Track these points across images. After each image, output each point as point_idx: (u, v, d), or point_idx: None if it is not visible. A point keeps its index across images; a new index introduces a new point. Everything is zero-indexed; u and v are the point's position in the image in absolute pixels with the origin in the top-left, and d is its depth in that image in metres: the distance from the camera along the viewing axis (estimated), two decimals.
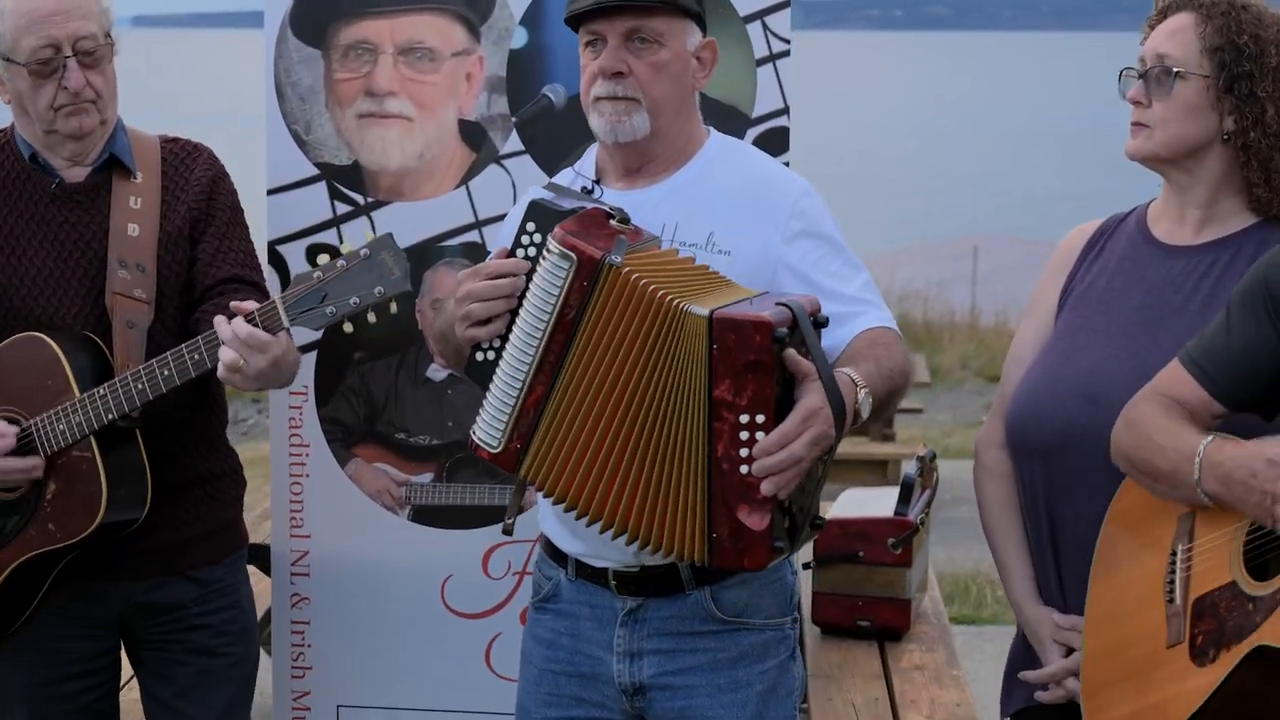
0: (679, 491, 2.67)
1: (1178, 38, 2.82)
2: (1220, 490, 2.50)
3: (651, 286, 2.66)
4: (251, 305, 2.96)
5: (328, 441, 3.89)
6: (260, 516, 4.18)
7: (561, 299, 2.71)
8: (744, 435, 2.59)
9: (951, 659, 4.40)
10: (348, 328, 3.79)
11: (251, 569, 3.63)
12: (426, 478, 3.88)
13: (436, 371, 3.84)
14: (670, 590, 2.92)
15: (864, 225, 29.10)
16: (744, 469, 2.59)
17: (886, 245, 25.58)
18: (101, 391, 3.10)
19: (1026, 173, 39.91)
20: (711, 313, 2.60)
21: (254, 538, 4.05)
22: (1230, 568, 2.51)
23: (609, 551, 2.89)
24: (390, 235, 2.92)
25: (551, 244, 2.72)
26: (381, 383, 3.88)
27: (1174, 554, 2.61)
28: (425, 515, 3.88)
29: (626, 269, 2.68)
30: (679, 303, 2.64)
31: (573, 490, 2.75)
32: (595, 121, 2.94)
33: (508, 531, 2.95)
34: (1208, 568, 2.55)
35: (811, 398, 2.60)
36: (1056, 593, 2.95)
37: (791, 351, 2.60)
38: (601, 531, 2.76)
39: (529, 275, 2.78)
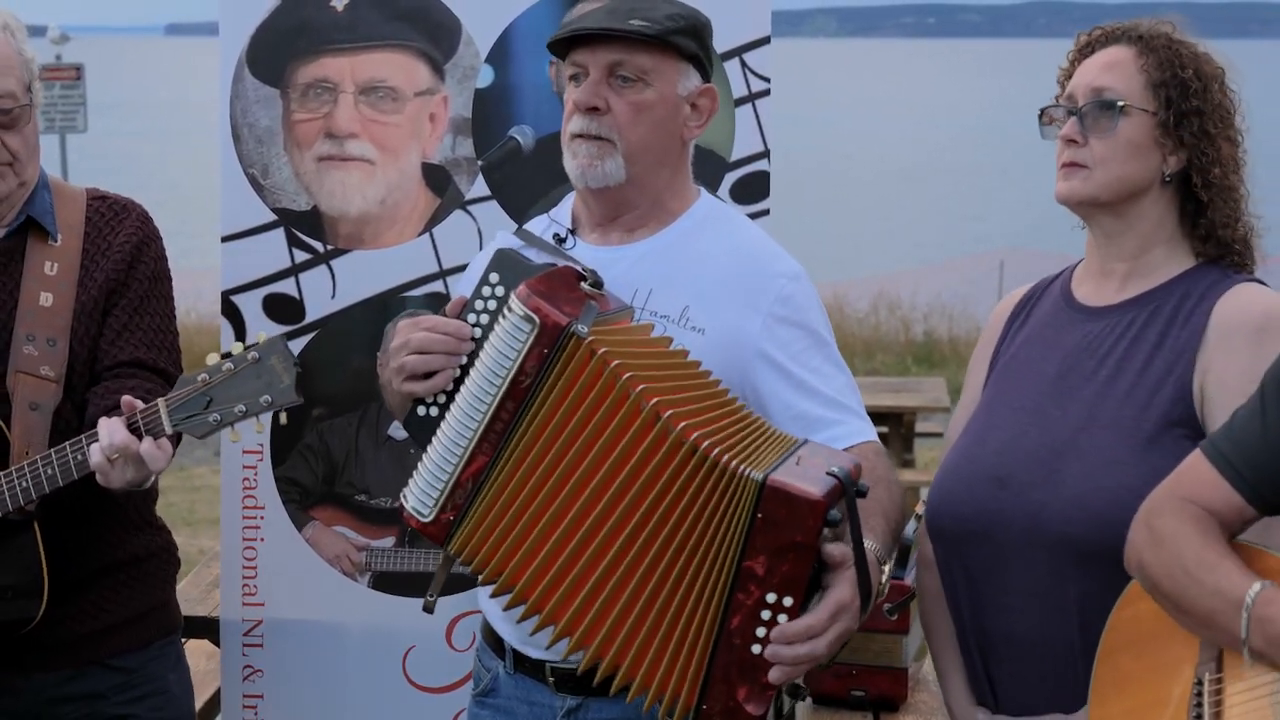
0: (675, 643, 2.41)
1: (1117, 70, 2.59)
2: (1267, 650, 2.17)
3: (652, 397, 2.40)
4: (139, 403, 2.76)
5: (284, 503, 3.68)
6: (211, 584, 3.97)
7: (517, 364, 2.48)
8: (765, 615, 2.35)
9: None
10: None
11: (202, 642, 3.41)
12: (388, 542, 3.67)
13: (399, 429, 3.61)
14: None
15: (892, 238, 28.89)
16: (756, 649, 2.35)
17: (914, 260, 25.28)
18: None
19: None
20: (765, 477, 2.33)
21: (204, 608, 3.85)
22: (1275, 717, 2.17)
23: (544, 640, 2.60)
24: (282, 339, 2.73)
25: (514, 302, 2.50)
26: (341, 441, 3.68)
27: (1200, 682, 2.27)
28: (386, 582, 3.68)
29: (591, 339, 2.45)
30: (721, 454, 2.35)
31: (516, 580, 2.51)
32: (569, 163, 2.74)
33: (428, 609, 2.68)
34: (1244, 712, 2.20)
35: (843, 590, 2.37)
36: (986, 690, 2.71)
37: (833, 545, 2.36)
38: (538, 630, 2.53)
39: (486, 332, 2.56)
